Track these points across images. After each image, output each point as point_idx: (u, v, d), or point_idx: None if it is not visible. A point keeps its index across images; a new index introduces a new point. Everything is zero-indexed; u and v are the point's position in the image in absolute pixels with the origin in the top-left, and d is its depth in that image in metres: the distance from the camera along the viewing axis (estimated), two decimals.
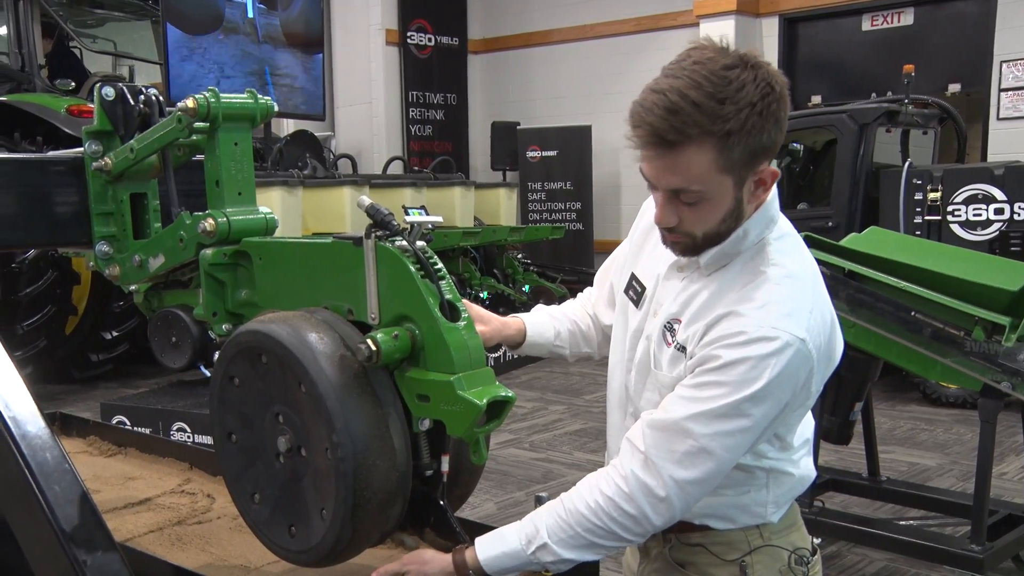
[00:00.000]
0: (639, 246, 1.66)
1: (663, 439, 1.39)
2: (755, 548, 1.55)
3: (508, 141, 9.83)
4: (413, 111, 10.30)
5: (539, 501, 1.60)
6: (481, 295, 7.56)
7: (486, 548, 1.45)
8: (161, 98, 1.83)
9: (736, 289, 1.43)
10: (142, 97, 1.78)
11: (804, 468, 1.58)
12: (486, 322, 1.69)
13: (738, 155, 1.33)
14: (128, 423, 4.96)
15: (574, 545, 1.42)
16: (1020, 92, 7.41)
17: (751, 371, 1.35)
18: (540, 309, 1.83)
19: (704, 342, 1.41)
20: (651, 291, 1.56)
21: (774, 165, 1.44)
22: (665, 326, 1.50)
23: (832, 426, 3.52)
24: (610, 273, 1.77)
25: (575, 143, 9.52)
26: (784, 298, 1.40)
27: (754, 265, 1.44)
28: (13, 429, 1.36)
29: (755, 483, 1.53)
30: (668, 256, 1.54)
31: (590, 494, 1.42)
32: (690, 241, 1.43)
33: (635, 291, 1.60)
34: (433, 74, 10.39)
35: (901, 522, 3.77)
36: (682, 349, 1.45)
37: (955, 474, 4.75)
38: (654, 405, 1.48)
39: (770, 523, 1.56)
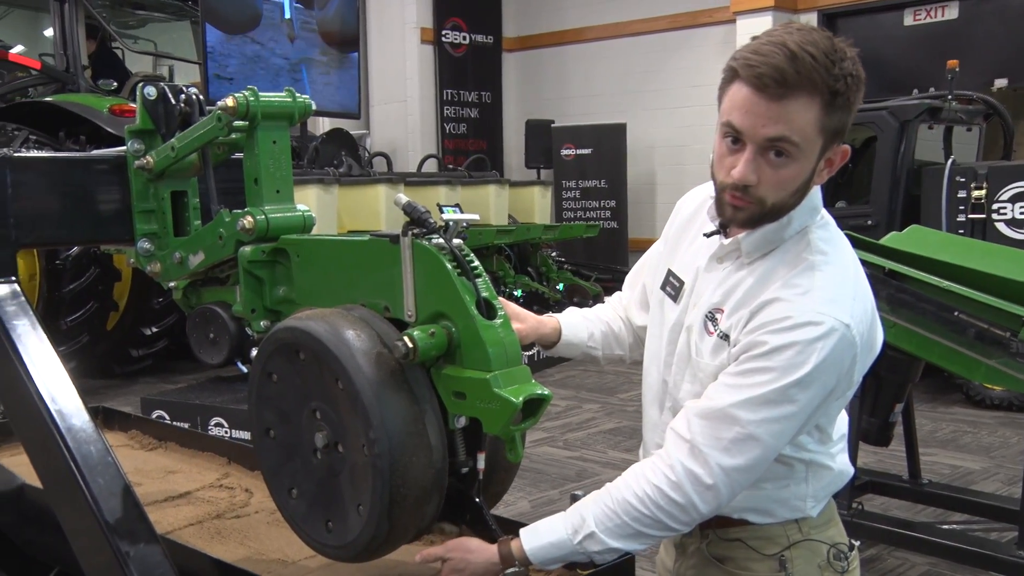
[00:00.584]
0: (675, 243, 1.66)
1: (709, 427, 1.39)
2: (794, 543, 1.55)
3: (542, 139, 9.82)
4: (447, 109, 10.32)
5: (574, 499, 1.59)
6: (515, 293, 7.55)
7: (532, 538, 1.45)
8: (201, 97, 1.85)
9: (780, 276, 1.44)
10: (183, 96, 1.81)
11: (842, 463, 1.58)
12: (522, 320, 1.69)
13: (835, 121, 1.37)
14: (167, 417, 5.03)
15: (621, 534, 1.42)
16: None
17: (798, 356, 1.36)
18: (573, 311, 1.83)
19: (748, 328, 1.42)
20: (690, 284, 1.57)
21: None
22: (707, 315, 1.50)
23: (872, 427, 3.48)
24: (642, 275, 1.78)
25: (610, 141, 9.49)
26: (828, 284, 1.41)
27: (797, 252, 1.46)
28: (59, 423, 1.39)
29: (794, 476, 1.53)
30: (707, 250, 1.55)
31: (637, 483, 1.43)
32: (757, 209, 1.43)
33: (672, 286, 1.61)
34: (467, 72, 10.41)
35: (944, 526, 3.71)
36: (725, 337, 1.46)
37: (1000, 478, 4.66)
38: (694, 396, 1.48)
39: (809, 517, 1.55)
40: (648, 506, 1.41)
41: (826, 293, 1.40)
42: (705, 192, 1.65)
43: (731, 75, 1.40)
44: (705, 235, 1.56)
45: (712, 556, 1.59)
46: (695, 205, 1.66)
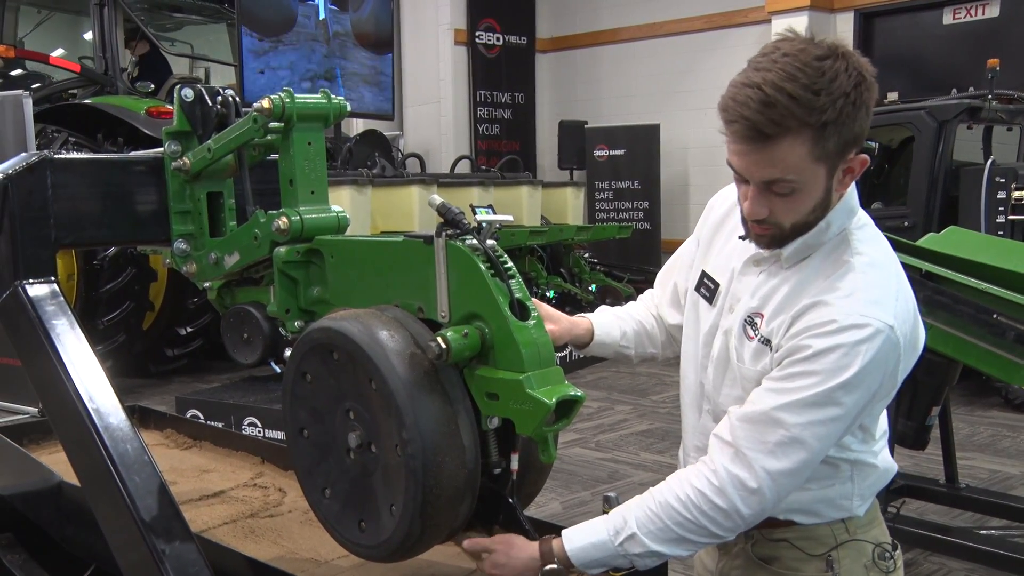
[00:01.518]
0: (708, 243, 1.65)
1: (754, 431, 1.38)
2: (841, 543, 1.54)
3: (576, 140, 9.79)
4: (481, 110, 10.33)
5: (607, 501, 1.59)
6: (548, 294, 7.54)
7: (573, 538, 1.45)
8: (237, 99, 1.86)
9: (820, 279, 1.42)
10: (219, 98, 1.82)
11: (885, 460, 1.57)
12: (555, 321, 1.68)
13: (832, 145, 1.34)
14: (201, 417, 5.09)
15: (663, 538, 1.41)
16: None
17: (843, 359, 1.34)
18: (604, 310, 1.83)
19: (791, 333, 1.40)
20: (725, 287, 1.56)
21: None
22: (746, 320, 1.49)
23: (908, 431, 3.42)
24: (673, 274, 1.77)
25: (643, 142, 9.44)
26: (870, 286, 1.39)
27: (837, 255, 1.44)
28: (97, 421, 1.41)
29: (840, 476, 1.52)
30: (742, 252, 1.53)
31: (680, 487, 1.42)
32: (778, 232, 1.43)
33: (707, 288, 1.59)
34: (501, 73, 10.42)
35: (982, 531, 3.65)
36: (766, 342, 1.45)
37: None
38: (735, 400, 1.47)
39: (856, 517, 1.54)
40: (691, 510, 1.40)
41: (869, 295, 1.38)
42: (731, 198, 1.64)
43: (721, 116, 1.39)
44: (741, 238, 1.54)
45: (757, 557, 1.57)
46: (728, 205, 1.64)
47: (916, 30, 8.37)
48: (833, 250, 1.45)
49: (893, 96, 8.27)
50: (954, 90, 6.92)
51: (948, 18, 8.17)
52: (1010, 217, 5.64)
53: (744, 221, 1.47)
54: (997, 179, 5.70)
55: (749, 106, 1.31)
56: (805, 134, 1.31)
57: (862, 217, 1.50)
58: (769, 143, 1.32)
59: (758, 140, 1.33)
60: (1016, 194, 5.59)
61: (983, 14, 7.98)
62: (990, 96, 6.01)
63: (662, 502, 1.42)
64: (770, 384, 1.40)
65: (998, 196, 5.69)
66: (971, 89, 6.68)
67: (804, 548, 1.54)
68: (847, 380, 1.34)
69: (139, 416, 2.69)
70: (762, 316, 1.47)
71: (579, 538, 1.45)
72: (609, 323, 1.79)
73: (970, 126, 6.09)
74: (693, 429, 1.62)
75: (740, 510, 1.38)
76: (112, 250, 6.35)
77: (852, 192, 1.47)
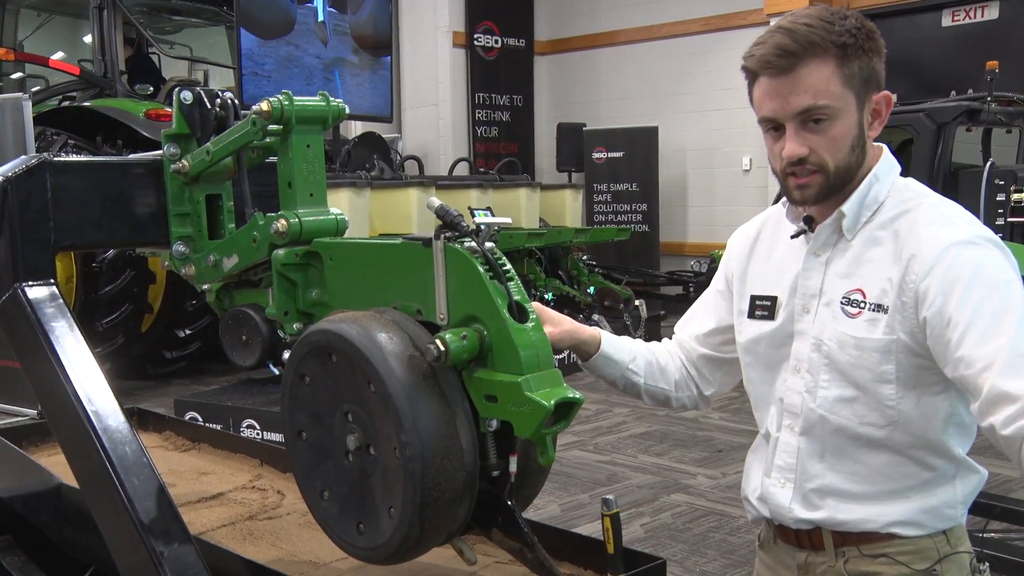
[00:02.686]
0: (742, 274, 1.63)
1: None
2: (944, 555, 1.47)
3: (574, 142, 9.80)
4: (479, 112, 10.35)
5: (605, 504, 1.59)
6: (546, 296, 7.54)
7: None
8: (236, 101, 1.86)
9: (907, 226, 1.42)
10: (218, 101, 1.82)
11: (980, 465, 1.52)
12: (556, 324, 1.63)
13: (857, 70, 1.40)
14: (200, 419, 5.08)
15: None
16: None
17: (995, 266, 1.34)
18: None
19: (913, 281, 1.36)
20: (787, 294, 1.53)
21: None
22: (842, 302, 1.45)
23: None
24: (695, 320, 1.74)
25: (642, 144, 9.45)
26: (958, 213, 1.42)
27: (904, 202, 1.45)
28: (96, 424, 1.41)
29: (942, 481, 1.47)
30: (795, 254, 1.52)
31: None
32: (823, 179, 1.43)
33: (763, 308, 1.57)
34: (499, 76, 10.43)
35: (982, 535, 3.64)
36: (878, 308, 1.41)
37: None
38: (835, 401, 1.45)
39: (958, 526, 1.50)
40: None
41: (964, 219, 1.41)
42: (758, 220, 1.67)
43: (749, 76, 1.46)
44: (792, 237, 1.54)
45: (851, 574, 1.50)
46: (751, 232, 1.66)
47: (915, 32, 8.38)
48: (897, 204, 1.45)
49: (892, 98, 8.27)
50: (953, 92, 6.93)
51: (947, 20, 8.19)
52: (1009, 219, 5.64)
53: (786, 187, 1.47)
54: (996, 181, 5.71)
55: (773, 36, 1.40)
56: (829, 54, 1.38)
57: (910, 182, 1.51)
58: (796, 66, 1.38)
59: (786, 65, 1.38)
60: (1015, 196, 5.60)
61: (982, 16, 8.00)
62: (989, 98, 6.02)
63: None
64: (972, 331, 1.29)
65: (998, 198, 5.69)
66: (970, 91, 6.69)
67: (907, 562, 1.47)
68: (1015, 277, 1.33)
69: (138, 418, 2.69)
70: (860, 291, 1.43)
71: None
72: (620, 342, 1.71)
73: (969, 128, 6.10)
74: (775, 451, 1.55)
75: None
76: (111, 252, 6.35)
77: (890, 156, 1.50)
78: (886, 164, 1.49)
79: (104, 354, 6.49)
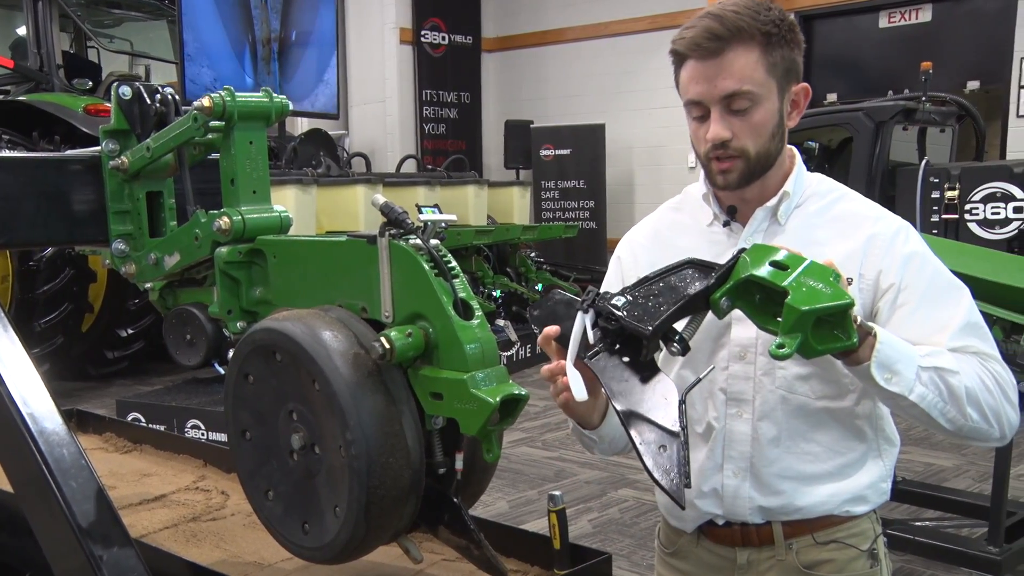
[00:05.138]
0: (650, 267, 1.54)
1: (977, 331, 1.45)
2: (878, 533, 1.57)
3: (522, 140, 9.83)
4: (427, 110, 10.31)
5: (552, 500, 1.60)
6: (494, 293, 7.55)
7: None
8: (177, 97, 1.83)
9: (849, 215, 1.52)
10: (158, 96, 1.79)
11: (910, 451, 1.63)
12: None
13: (779, 58, 1.45)
14: (143, 420, 5.00)
15: (964, 371, 1.38)
16: None
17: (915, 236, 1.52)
18: None
19: (874, 255, 1.47)
20: None
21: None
22: None
23: None
24: None
25: (588, 142, 9.51)
26: (875, 204, 1.55)
27: (829, 193, 1.56)
28: (31, 426, 1.38)
29: (874, 452, 1.55)
30: (709, 249, 1.50)
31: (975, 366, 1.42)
32: (744, 164, 1.47)
33: None
34: (447, 73, 10.40)
35: (917, 523, 3.75)
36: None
37: (972, 475, 4.72)
38: (795, 375, 1.49)
39: (883, 502, 1.57)
40: (992, 371, 1.42)
41: (876, 206, 1.55)
42: (648, 223, 1.69)
43: (676, 59, 1.50)
44: (724, 225, 1.56)
45: (804, 566, 1.54)
46: (647, 232, 1.67)
47: (854, 33, 8.57)
48: (825, 194, 1.55)
49: (832, 97, 8.45)
50: (890, 92, 7.10)
51: (884, 21, 8.38)
52: (943, 216, 5.79)
53: (709, 171, 1.50)
54: (931, 179, 5.86)
55: (702, 21, 1.44)
56: (755, 41, 1.42)
57: (820, 176, 1.60)
58: (724, 50, 1.42)
59: (713, 43, 1.42)
60: (949, 194, 5.75)
61: (916, 18, 8.21)
62: (924, 98, 6.17)
63: (963, 359, 1.41)
64: (926, 296, 1.45)
65: (932, 196, 5.84)
66: (906, 91, 6.86)
67: (856, 544, 1.53)
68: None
69: (77, 420, 2.63)
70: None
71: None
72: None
73: (905, 127, 6.24)
74: (725, 442, 1.55)
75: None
76: (49, 251, 6.20)
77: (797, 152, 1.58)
78: (800, 161, 1.57)
79: (42, 355, 6.34)
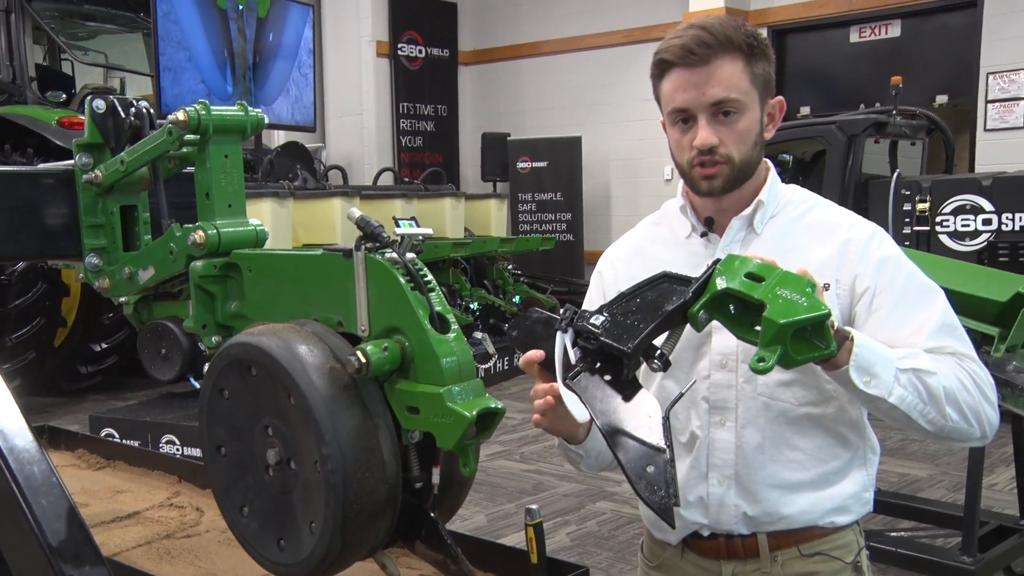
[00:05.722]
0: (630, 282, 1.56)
1: (953, 331, 1.47)
2: (861, 545, 1.58)
3: (498, 152, 9.85)
4: (404, 122, 10.31)
5: (529, 513, 1.60)
6: (471, 306, 7.55)
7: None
8: (152, 110, 1.83)
9: (823, 223, 1.55)
10: (133, 109, 1.79)
11: (890, 463, 1.63)
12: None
13: (759, 71, 1.49)
14: (117, 435, 4.94)
15: (941, 371, 1.40)
16: (1006, 103, 7.46)
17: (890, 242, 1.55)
18: None
19: (850, 259, 1.50)
20: None
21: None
22: None
23: None
24: None
25: (565, 154, 9.55)
26: (846, 211, 1.58)
27: (804, 202, 1.58)
28: (0, 443, 1.36)
29: (858, 461, 1.56)
30: (687, 260, 1.53)
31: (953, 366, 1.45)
32: (729, 170, 1.50)
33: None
34: (424, 85, 10.41)
35: (892, 533, 3.77)
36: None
37: (946, 485, 4.76)
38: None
39: (867, 513, 1.58)
40: (970, 371, 1.43)
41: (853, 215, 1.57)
42: (628, 239, 1.70)
43: (659, 70, 1.52)
44: (701, 235, 1.58)
45: None
46: (627, 247, 1.69)
47: (825, 47, 8.68)
48: (800, 203, 1.59)
49: (805, 110, 8.54)
50: (862, 105, 7.19)
51: (855, 36, 8.49)
52: (915, 228, 5.86)
53: (691, 178, 1.52)
54: (903, 191, 5.93)
55: (690, 31, 1.48)
56: (740, 52, 1.47)
57: (795, 186, 1.64)
58: (713, 58, 1.45)
59: (704, 51, 1.45)
60: (920, 206, 5.82)
61: (886, 33, 8.33)
62: (895, 111, 6.25)
63: (941, 359, 1.43)
64: (903, 299, 1.47)
65: (904, 208, 5.91)
66: (877, 104, 6.95)
67: (841, 556, 1.54)
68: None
69: (48, 437, 2.60)
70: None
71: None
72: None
73: (877, 140, 6.32)
74: (708, 451, 1.55)
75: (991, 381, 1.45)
76: (21, 265, 6.13)
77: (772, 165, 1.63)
78: (774, 172, 1.60)
79: (14, 370, 6.26)
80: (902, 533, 3.78)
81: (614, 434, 1.24)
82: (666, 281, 1.31)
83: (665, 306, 1.28)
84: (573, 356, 1.29)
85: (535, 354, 1.36)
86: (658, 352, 1.29)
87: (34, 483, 1.32)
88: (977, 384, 1.43)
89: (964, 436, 1.43)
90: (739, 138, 1.49)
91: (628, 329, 1.27)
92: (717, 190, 1.52)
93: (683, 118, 1.50)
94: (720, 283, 1.24)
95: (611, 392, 1.27)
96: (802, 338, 1.22)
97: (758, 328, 1.21)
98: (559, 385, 1.31)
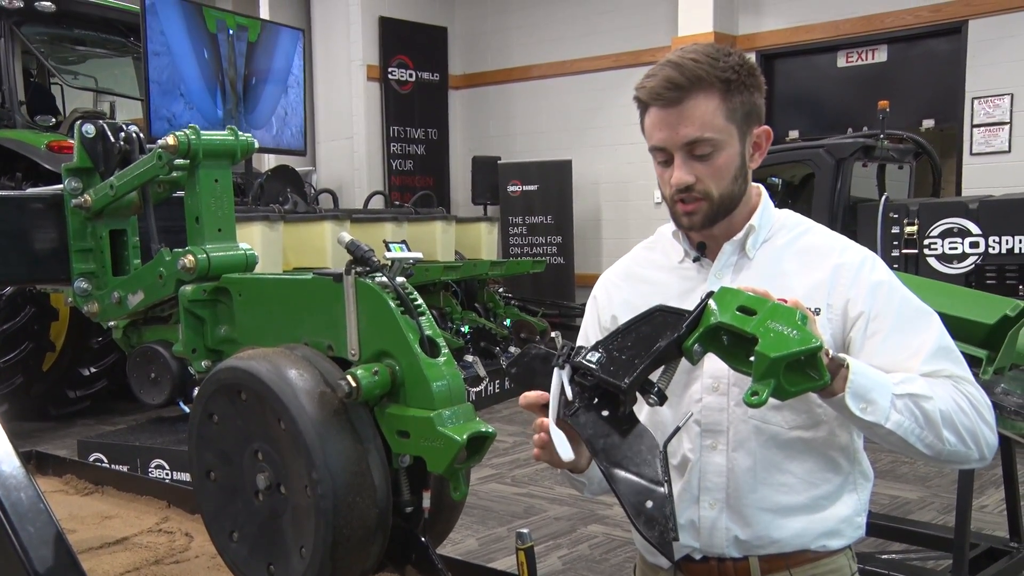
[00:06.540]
0: (632, 314, 1.53)
1: (949, 354, 1.48)
2: (854, 571, 1.57)
3: (489, 175, 9.88)
4: (394, 146, 10.34)
5: (520, 538, 1.59)
6: (462, 329, 7.54)
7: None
8: (141, 135, 1.83)
9: (815, 247, 1.55)
10: (122, 134, 1.79)
11: (878, 482, 1.62)
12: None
13: (738, 104, 1.48)
14: (105, 460, 4.90)
15: (938, 396, 1.40)
16: (991, 128, 7.54)
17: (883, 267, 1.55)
18: None
19: (841, 284, 1.49)
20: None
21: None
22: None
23: None
24: None
25: (555, 177, 9.58)
26: (838, 236, 1.58)
27: (796, 227, 1.58)
28: None
29: (849, 485, 1.56)
30: (680, 285, 1.56)
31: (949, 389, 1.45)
32: (708, 206, 1.50)
33: None
34: (414, 109, 10.46)
35: (883, 556, 3.76)
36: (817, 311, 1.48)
37: (936, 507, 4.76)
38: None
39: (859, 538, 1.57)
40: (966, 393, 1.44)
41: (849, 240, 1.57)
42: (621, 265, 1.72)
43: (640, 106, 1.53)
44: (694, 260, 1.59)
45: None
46: (620, 272, 1.70)
47: (813, 72, 8.76)
48: (792, 228, 1.59)
49: (794, 134, 8.61)
50: (849, 129, 7.25)
51: (842, 61, 8.58)
52: (903, 251, 5.90)
53: (674, 212, 1.54)
54: (891, 215, 5.97)
55: (663, 70, 1.47)
56: (715, 89, 1.46)
57: (788, 211, 1.63)
58: (683, 99, 1.45)
59: (673, 93, 1.45)
60: (908, 229, 5.86)
61: (873, 58, 8.41)
62: (882, 135, 6.31)
63: (937, 383, 1.43)
64: (899, 324, 1.47)
65: (892, 231, 5.95)
66: (865, 129, 7.01)
67: None
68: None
69: (36, 462, 2.58)
70: (782, 300, 1.44)
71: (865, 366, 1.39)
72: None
73: (865, 164, 6.36)
74: (701, 474, 1.55)
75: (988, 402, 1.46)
76: (9, 289, 6.10)
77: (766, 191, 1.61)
78: (766, 197, 1.60)
79: (1, 395, 6.22)
80: (893, 556, 3.77)
81: (613, 470, 1.25)
82: (660, 314, 1.32)
83: (659, 341, 1.29)
84: (570, 392, 1.30)
85: (534, 396, 1.37)
86: (655, 388, 1.30)
87: (21, 509, 1.31)
88: (974, 406, 1.43)
89: (963, 459, 1.44)
90: (716, 174, 1.49)
91: (624, 365, 1.28)
92: (697, 225, 1.53)
93: (662, 158, 1.52)
94: (713, 317, 1.25)
95: (609, 428, 1.28)
96: (796, 370, 1.23)
97: (752, 358, 1.22)
98: (550, 423, 1.31)
